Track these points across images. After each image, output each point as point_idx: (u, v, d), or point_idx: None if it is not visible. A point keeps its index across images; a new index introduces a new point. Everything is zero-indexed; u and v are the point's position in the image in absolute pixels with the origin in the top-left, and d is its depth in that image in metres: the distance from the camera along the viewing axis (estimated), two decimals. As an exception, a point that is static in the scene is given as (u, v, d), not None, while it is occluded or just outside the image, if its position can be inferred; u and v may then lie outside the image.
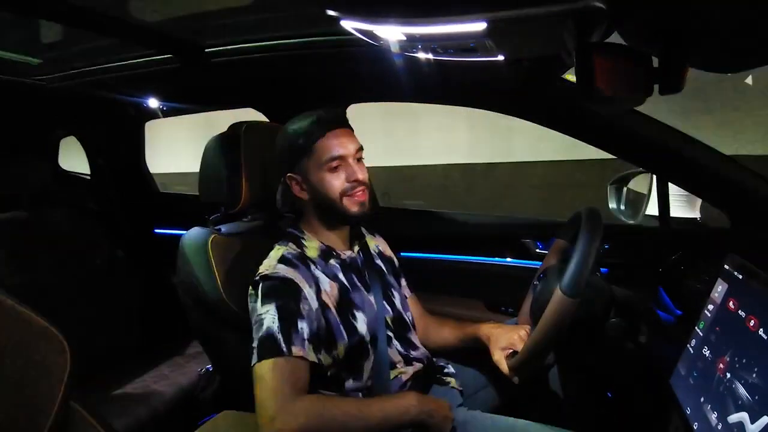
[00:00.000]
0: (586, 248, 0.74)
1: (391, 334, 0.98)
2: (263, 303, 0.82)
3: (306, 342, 0.81)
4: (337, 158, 0.89)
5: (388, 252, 1.13)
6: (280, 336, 0.79)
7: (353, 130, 0.95)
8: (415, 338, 1.04)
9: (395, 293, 1.05)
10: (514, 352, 0.91)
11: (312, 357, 0.81)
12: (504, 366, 0.91)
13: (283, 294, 0.83)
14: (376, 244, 1.11)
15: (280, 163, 0.95)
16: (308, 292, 0.85)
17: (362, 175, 0.91)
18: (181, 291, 1.00)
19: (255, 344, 0.80)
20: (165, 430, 1.25)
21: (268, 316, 0.81)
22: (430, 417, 0.83)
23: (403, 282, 1.14)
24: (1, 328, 0.53)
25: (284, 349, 0.78)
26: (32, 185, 1.39)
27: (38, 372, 0.54)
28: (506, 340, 0.93)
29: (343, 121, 0.93)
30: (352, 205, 0.91)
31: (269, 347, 0.78)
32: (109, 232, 1.57)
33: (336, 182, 0.90)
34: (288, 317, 0.81)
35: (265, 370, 0.77)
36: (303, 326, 0.81)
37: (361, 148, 0.94)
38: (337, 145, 0.90)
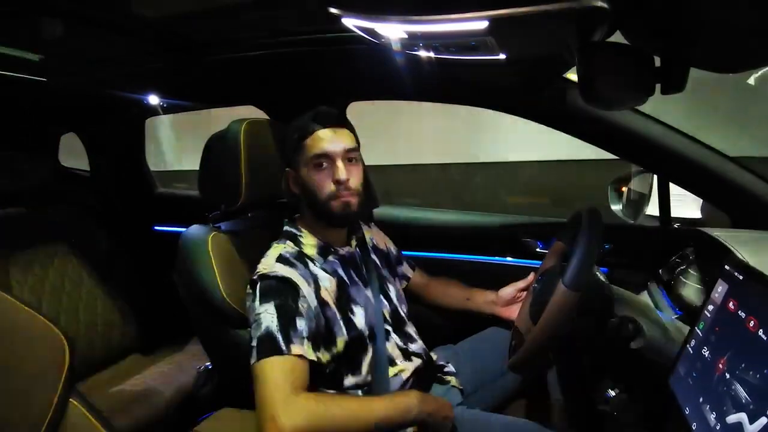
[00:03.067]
0: (588, 242, 0.74)
1: (389, 328, 0.99)
2: (261, 302, 0.82)
3: (305, 340, 0.81)
4: (322, 156, 0.89)
5: (382, 243, 1.14)
6: (279, 335, 0.79)
7: (352, 130, 0.95)
8: (412, 331, 1.05)
9: (390, 287, 1.06)
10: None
11: (311, 355, 0.81)
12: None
13: (282, 293, 0.83)
14: (371, 236, 1.11)
15: (281, 157, 0.99)
16: (306, 290, 0.85)
17: (346, 176, 0.89)
18: (181, 288, 1.00)
19: (254, 343, 0.80)
20: (164, 427, 1.25)
21: (266, 316, 0.80)
22: (430, 417, 0.83)
23: (405, 264, 1.18)
24: (1, 325, 0.53)
25: (283, 348, 0.78)
26: (32, 182, 1.39)
27: (38, 369, 0.54)
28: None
29: (336, 119, 0.93)
30: (336, 206, 0.90)
31: (268, 346, 0.78)
32: (108, 229, 1.57)
33: (322, 182, 0.90)
34: (286, 316, 0.81)
35: (264, 369, 0.77)
36: (302, 325, 0.81)
37: (353, 149, 0.92)
38: (324, 143, 0.89)
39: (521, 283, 1.08)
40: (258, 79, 1.34)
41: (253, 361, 0.79)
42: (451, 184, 3.92)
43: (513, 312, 1.08)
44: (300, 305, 0.83)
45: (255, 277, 0.87)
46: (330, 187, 0.89)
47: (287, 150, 0.95)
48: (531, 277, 1.07)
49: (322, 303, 0.87)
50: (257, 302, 0.83)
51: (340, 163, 0.89)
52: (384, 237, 1.17)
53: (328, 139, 0.90)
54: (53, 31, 1.05)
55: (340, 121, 0.94)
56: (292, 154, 0.94)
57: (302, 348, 0.80)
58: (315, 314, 0.86)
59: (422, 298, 1.20)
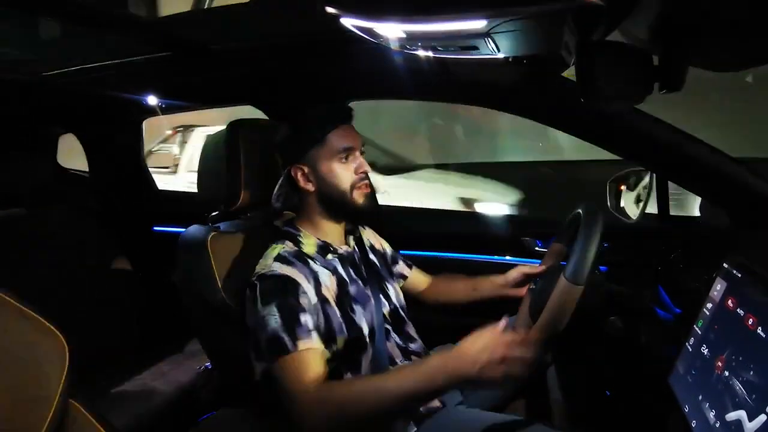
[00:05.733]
0: (589, 236, 0.74)
1: (389, 327, 0.99)
2: (263, 304, 0.82)
3: (312, 332, 0.82)
4: (349, 149, 0.93)
5: (378, 244, 1.15)
6: (284, 335, 0.79)
7: None
8: (412, 331, 1.05)
9: (389, 286, 1.06)
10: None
11: (320, 345, 0.82)
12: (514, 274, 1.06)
13: (282, 292, 0.83)
14: (367, 237, 1.12)
15: (285, 154, 0.97)
16: (307, 287, 0.86)
17: (368, 168, 0.96)
18: (180, 289, 1.00)
19: (263, 346, 0.81)
20: (164, 427, 1.25)
21: (270, 317, 0.81)
22: (466, 377, 0.69)
23: (401, 263, 1.17)
24: (0, 326, 0.53)
25: (290, 347, 0.78)
26: (31, 183, 1.39)
27: (37, 370, 0.54)
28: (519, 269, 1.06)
29: (352, 117, 0.97)
30: (359, 197, 0.95)
31: (275, 347, 0.79)
32: (108, 229, 1.56)
33: (346, 173, 0.93)
34: (289, 314, 0.81)
35: (278, 370, 0.78)
36: (305, 318, 0.82)
37: (364, 144, 0.97)
38: (349, 137, 0.94)
39: (527, 268, 1.06)
40: (257, 79, 1.34)
41: (264, 365, 0.80)
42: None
43: (523, 291, 1.07)
44: (301, 301, 0.84)
45: (254, 279, 0.87)
46: (353, 177, 0.94)
47: (300, 145, 0.94)
48: (538, 267, 1.05)
49: (322, 300, 0.87)
50: (259, 305, 0.83)
51: (361, 157, 0.96)
52: (379, 238, 1.17)
53: (352, 134, 0.95)
54: (52, 31, 1.05)
55: (352, 119, 0.98)
56: (307, 148, 0.93)
57: (310, 341, 0.80)
58: (316, 310, 0.86)
59: (422, 296, 1.20)
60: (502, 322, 0.72)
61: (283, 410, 0.78)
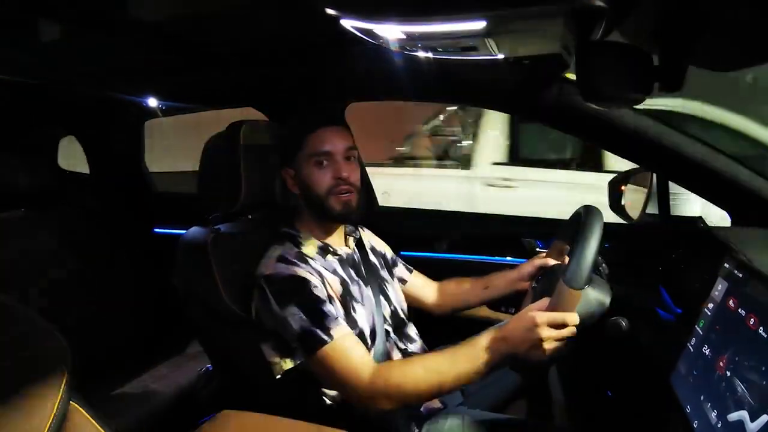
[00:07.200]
0: (589, 239, 0.74)
1: (389, 328, 0.98)
2: (281, 306, 0.82)
3: (339, 319, 0.83)
4: (324, 153, 0.90)
5: (379, 246, 1.14)
6: (315, 328, 0.80)
7: (349, 129, 0.97)
8: (412, 332, 1.05)
9: (389, 287, 1.06)
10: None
11: (350, 329, 0.83)
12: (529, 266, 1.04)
13: (296, 290, 0.84)
14: (368, 239, 1.11)
15: (280, 157, 0.98)
16: (317, 282, 0.86)
17: (347, 174, 0.91)
18: (181, 290, 1.00)
19: (293, 345, 0.81)
20: (164, 429, 1.25)
21: (293, 317, 0.81)
22: (515, 357, 0.75)
23: (401, 267, 1.17)
24: (0, 328, 0.53)
25: (326, 338, 0.79)
26: (32, 184, 1.39)
27: (37, 372, 0.54)
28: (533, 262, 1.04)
29: (336, 118, 0.95)
30: (336, 204, 0.91)
31: (312, 342, 0.79)
32: (108, 231, 1.57)
33: (322, 178, 0.91)
34: (312, 308, 0.82)
35: (320, 363, 0.79)
36: (329, 308, 0.83)
37: (352, 148, 0.94)
38: (325, 141, 0.91)
39: (541, 260, 1.04)
40: (257, 80, 1.34)
41: (296, 363, 0.81)
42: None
43: None
44: (317, 294, 0.84)
45: (260, 281, 0.86)
46: (329, 182, 0.90)
47: (287, 149, 0.95)
48: (544, 260, 1.04)
49: (329, 297, 0.88)
50: (275, 307, 0.83)
51: (340, 161, 0.91)
52: (379, 240, 1.17)
53: (330, 137, 0.91)
54: (52, 33, 1.05)
55: (341, 120, 0.96)
56: (292, 152, 0.93)
57: (342, 327, 0.81)
58: (330, 301, 0.86)
59: (424, 301, 1.17)
60: (545, 301, 0.76)
61: (302, 407, 0.78)
